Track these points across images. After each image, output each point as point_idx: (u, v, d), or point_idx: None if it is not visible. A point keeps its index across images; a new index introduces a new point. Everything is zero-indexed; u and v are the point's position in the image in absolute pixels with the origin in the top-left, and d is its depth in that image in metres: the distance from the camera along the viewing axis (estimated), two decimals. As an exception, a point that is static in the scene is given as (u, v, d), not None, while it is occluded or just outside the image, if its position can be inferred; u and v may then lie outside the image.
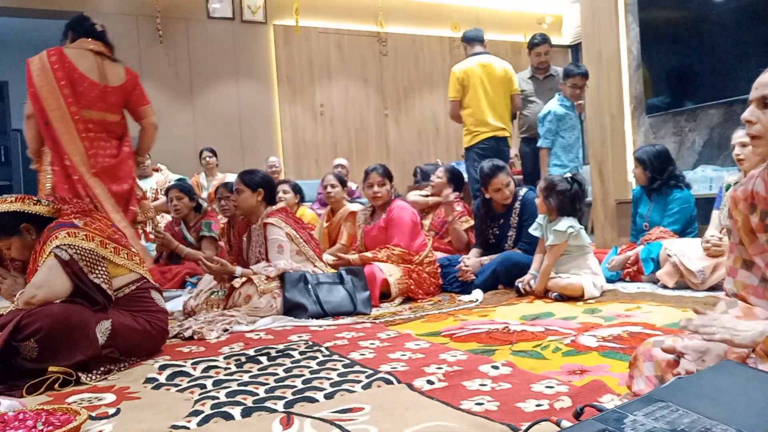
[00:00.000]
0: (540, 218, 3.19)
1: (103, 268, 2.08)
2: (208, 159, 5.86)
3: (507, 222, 3.56)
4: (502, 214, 3.59)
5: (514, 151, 4.85)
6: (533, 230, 3.22)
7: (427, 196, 4.44)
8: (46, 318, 1.84)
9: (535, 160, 4.56)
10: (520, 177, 4.91)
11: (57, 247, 2.00)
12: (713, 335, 1.11)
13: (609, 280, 3.40)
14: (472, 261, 3.47)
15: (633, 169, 3.75)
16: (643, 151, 3.66)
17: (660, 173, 3.55)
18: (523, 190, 3.59)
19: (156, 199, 5.22)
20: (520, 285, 3.13)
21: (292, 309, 2.89)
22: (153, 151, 5.69)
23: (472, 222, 4.02)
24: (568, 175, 3.13)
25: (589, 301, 2.93)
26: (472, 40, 4.55)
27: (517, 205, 3.54)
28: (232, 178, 5.58)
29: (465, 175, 4.53)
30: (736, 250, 1.31)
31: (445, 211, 4.06)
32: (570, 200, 3.07)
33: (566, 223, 3.02)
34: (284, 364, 1.98)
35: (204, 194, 5.67)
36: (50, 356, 1.85)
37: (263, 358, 2.07)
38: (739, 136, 2.95)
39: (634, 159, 3.72)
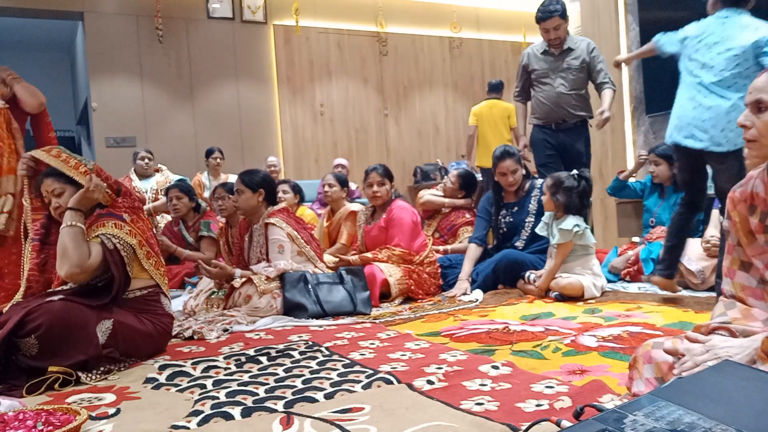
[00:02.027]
0: (546, 217, 3.19)
1: (131, 267, 2.14)
2: (219, 160, 5.85)
3: (523, 209, 3.54)
4: (515, 202, 3.58)
5: (524, 141, 4.11)
6: (540, 230, 3.21)
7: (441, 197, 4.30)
8: (47, 314, 1.85)
9: (547, 147, 3.90)
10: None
11: (104, 234, 2.08)
12: (707, 364, 1.13)
13: (609, 281, 3.41)
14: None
15: (652, 166, 3.66)
16: (667, 147, 3.61)
17: None
18: (539, 180, 3.59)
19: (156, 199, 5.22)
20: (532, 275, 3.15)
21: (292, 309, 2.89)
22: (152, 151, 5.69)
23: None
24: (575, 172, 3.12)
25: (589, 301, 2.93)
26: (491, 89, 6.23)
27: (536, 192, 3.53)
28: (234, 178, 5.58)
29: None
30: (734, 251, 1.31)
31: None
32: (578, 197, 3.06)
33: (572, 222, 3.02)
34: (284, 364, 1.98)
35: (206, 194, 5.66)
36: (50, 354, 1.85)
37: (263, 358, 2.07)
38: None
39: (655, 156, 3.62)
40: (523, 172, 3.57)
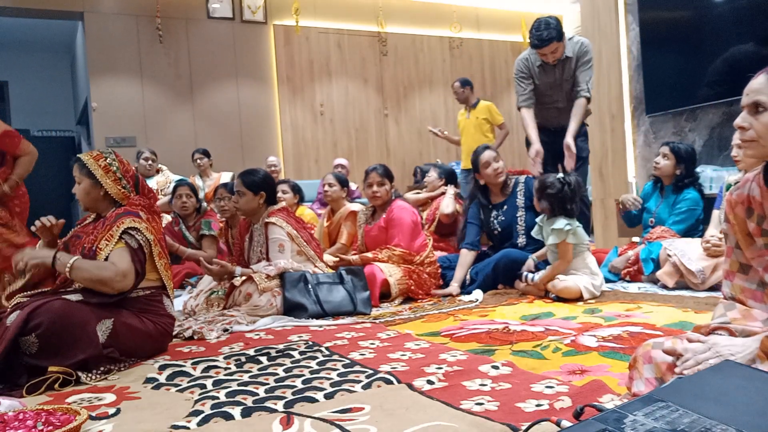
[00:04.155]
0: (539, 219, 3.19)
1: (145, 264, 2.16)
2: (199, 161, 5.81)
3: (512, 205, 3.54)
4: (503, 201, 3.58)
5: (536, 147, 3.83)
6: (535, 233, 3.21)
7: (418, 193, 4.61)
8: (47, 313, 1.85)
9: (551, 152, 3.77)
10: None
11: (125, 232, 2.10)
12: (709, 363, 1.13)
13: (609, 281, 3.40)
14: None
15: (660, 157, 3.62)
16: (683, 147, 3.60)
17: (690, 173, 3.56)
18: (522, 177, 3.59)
19: (156, 199, 5.21)
20: (530, 275, 3.14)
21: (292, 309, 2.89)
22: (155, 152, 5.69)
23: None
24: (560, 175, 3.11)
25: (590, 301, 2.93)
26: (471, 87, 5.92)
27: (521, 187, 3.53)
28: (226, 177, 5.58)
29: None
30: (733, 254, 1.31)
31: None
32: (560, 201, 3.05)
33: (564, 221, 3.02)
34: (284, 364, 1.98)
35: (200, 195, 5.66)
36: (50, 353, 1.85)
37: (263, 358, 2.08)
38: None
39: (668, 148, 3.59)
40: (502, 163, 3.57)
